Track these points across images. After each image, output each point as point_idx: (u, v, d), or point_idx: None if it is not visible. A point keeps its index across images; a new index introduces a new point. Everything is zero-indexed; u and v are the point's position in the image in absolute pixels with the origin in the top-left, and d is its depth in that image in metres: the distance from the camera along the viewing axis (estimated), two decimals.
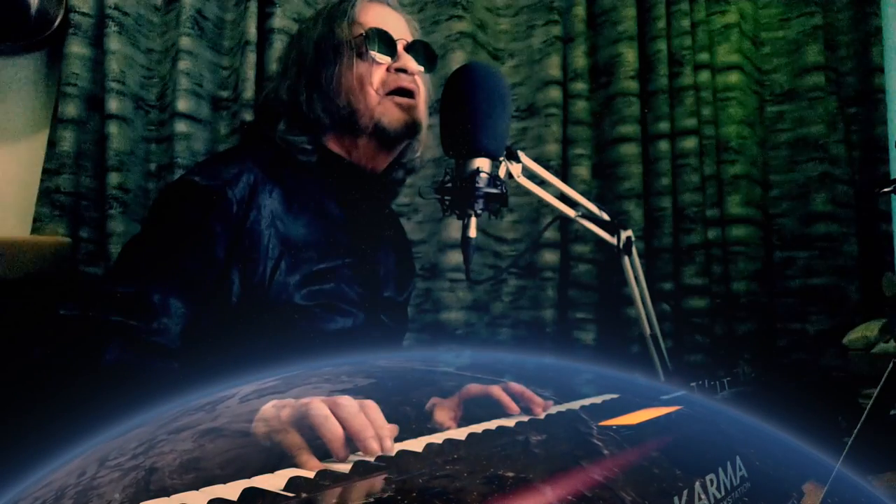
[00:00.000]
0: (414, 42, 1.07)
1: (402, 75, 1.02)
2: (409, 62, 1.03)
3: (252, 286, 0.89)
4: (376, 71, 1.02)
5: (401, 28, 1.07)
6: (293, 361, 0.85)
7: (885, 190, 1.09)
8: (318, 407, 0.55)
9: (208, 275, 0.87)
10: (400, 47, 1.04)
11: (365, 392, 0.60)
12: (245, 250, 0.89)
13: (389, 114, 1.02)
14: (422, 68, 1.08)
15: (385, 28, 1.03)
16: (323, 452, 0.54)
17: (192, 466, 0.44)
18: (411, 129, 1.05)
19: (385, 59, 1.03)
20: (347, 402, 0.56)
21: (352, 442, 0.55)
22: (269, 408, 0.58)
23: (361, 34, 1.01)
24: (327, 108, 1.02)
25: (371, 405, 0.58)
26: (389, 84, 1.02)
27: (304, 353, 0.90)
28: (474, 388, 0.79)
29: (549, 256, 1.75)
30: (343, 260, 1.00)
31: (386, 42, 1.02)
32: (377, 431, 0.55)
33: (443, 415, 0.75)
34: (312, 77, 1.03)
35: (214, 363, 0.84)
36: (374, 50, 1.02)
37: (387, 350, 1.04)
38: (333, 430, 0.54)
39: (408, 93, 1.03)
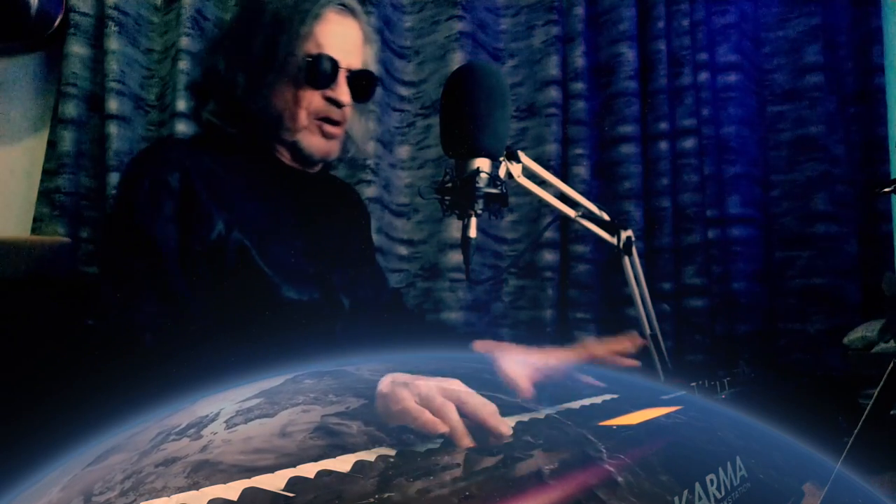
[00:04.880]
0: (357, 72, 1.07)
1: (334, 107, 1.05)
2: (343, 94, 1.05)
3: (214, 246, 0.93)
4: (312, 95, 1.03)
5: (353, 47, 1.07)
6: (258, 334, 0.91)
7: (886, 190, 1.08)
8: (445, 404, 0.58)
9: (177, 263, 0.92)
10: (341, 76, 1.05)
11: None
12: (194, 227, 0.93)
13: (309, 138, 1.05)
14: (351, 102, 1.08)
15: (336, 52, 1.03)
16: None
17: None
18: (327, 156, 1.09)
19: (323, 87, 1.04)
20: (472, 398, 0.59)
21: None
22: (389, 384, 0.61)
23: (311, 56, 1.01)
24: (258, 106, 1.03)
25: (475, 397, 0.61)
26: (320, 111, 1.04)
27: (266, 324, 0.93)
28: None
29: (549, 256, 1.75)
30: (289, 238, 1.02)
31: (330, 69, 1.03)
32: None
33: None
34: (254, 68, 1.03)
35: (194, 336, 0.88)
36: (315, 77, 1.02)
37: (351, 334, 1.03)
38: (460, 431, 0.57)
39: (335, 123, 1.06)
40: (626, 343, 0.98)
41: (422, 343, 1.15)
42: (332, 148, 1.08)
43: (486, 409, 0.59)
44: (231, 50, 1.06)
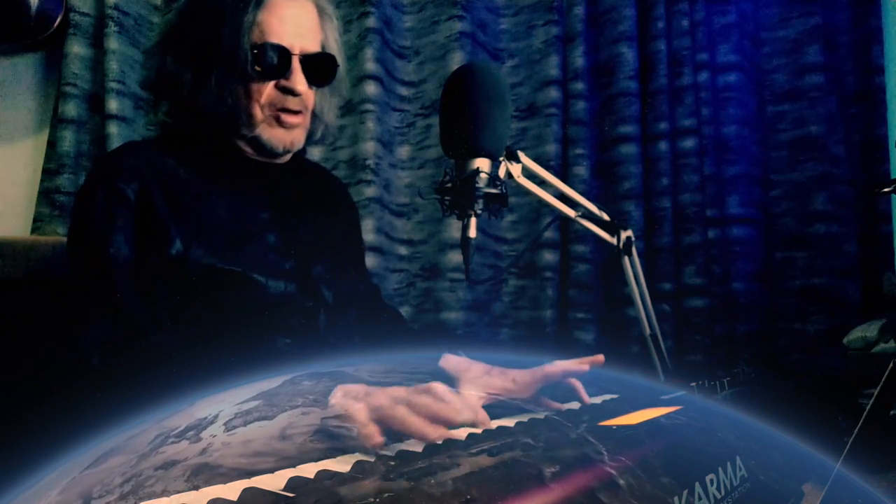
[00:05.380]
0: (313, 56, 1.01)
1: (290, 97, 0.99)
2: (299, 82, 0.99)
3: (172, 262, 0.90)
4: (265, 87, 0.98)
5: (306, 30, 1.01)
6: (241, 332, 0.89)
7: (885, 190, 1.08)
8: (403, 414, 0.56)
9: (130, 279, 0.89)
10: (295, 63, 0.99)
11: None
12: (151, 241, 0.90)
13: (270, 131, 1.00)
14: (311, 89, 1.03)
15: (286, 38, 0.98)
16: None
17: None
18: (291, 147, 1.04)
19: (275, 78, 0.99)
20: (423, 399, 0.58)
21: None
22: (340, 397, 0.59)
23: (257, 46, 0.96)
24: (209, 104, 0.99)
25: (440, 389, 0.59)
26: (276, 103, 0.99)
27: (245, 322, 0.91)
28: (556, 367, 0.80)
29: (549, 256, 1.75)
30: (261, 234, 0.99)
31: (280, 58, 0.98)
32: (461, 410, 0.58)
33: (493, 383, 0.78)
34: (200, 64, 0.98)
35: (174, 341, 0.86)
36: (264, 69, 0.97)
37: (336, 329, 1.02)
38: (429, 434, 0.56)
39: (294, 112, 1.01)
40: (585, 363, 0.88)
41: (405, 343, 1.14)
42: (295, 137, 1.03)
43: (437, 406, 0.57)
44: (176, 45, 1.01)
